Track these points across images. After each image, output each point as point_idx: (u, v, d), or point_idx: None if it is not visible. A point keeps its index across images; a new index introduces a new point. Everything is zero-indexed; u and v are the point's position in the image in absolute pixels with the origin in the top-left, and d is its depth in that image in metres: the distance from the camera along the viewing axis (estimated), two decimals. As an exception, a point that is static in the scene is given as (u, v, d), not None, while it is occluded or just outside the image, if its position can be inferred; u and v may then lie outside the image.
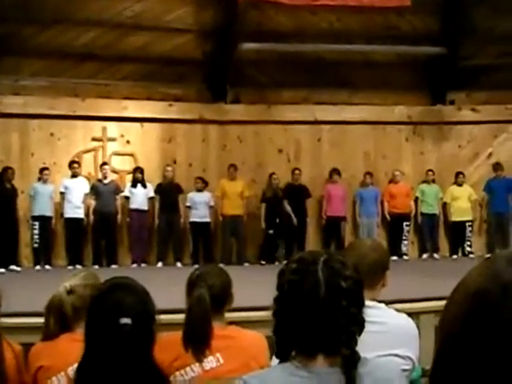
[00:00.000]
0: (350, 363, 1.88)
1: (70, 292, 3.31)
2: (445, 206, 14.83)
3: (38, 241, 13.27)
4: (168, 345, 3.06)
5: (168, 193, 13.71)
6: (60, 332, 3.27)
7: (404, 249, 14.46)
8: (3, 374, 2.01)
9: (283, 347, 1.99)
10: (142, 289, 2.39)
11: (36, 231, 13.26)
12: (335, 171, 14.36)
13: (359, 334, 1.95)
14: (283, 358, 1.99)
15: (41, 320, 5.20)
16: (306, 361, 1.92)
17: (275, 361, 2.10)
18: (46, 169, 13.39)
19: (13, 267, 12.46)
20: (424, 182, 14.76)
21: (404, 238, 14.48)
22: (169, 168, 13.88)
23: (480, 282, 1.13)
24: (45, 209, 13.28)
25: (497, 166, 14.52)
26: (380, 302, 3.14)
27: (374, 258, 3.20)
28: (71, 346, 3.10)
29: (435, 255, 14.59)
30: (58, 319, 3.27)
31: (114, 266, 13.20)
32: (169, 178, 13.89)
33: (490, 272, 1.14)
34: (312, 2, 12.06)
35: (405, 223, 14.49)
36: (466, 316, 1.11)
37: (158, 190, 13.71)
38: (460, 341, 1.11)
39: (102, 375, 2.17)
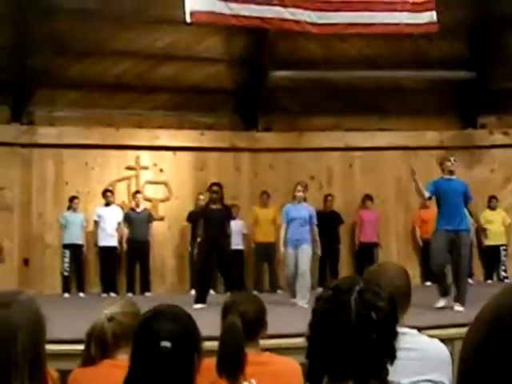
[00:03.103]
0: None
1: (110, 319, 3.39)
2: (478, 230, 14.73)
3: (68, 269, 13.42)
4: (203, 370, 3.11)
5: None
6: (100, 358, 3.35)
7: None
8: None
9: (315, 372, 2.03)
10: (186, 316, 2.45)
11: (66, 259, 13.42)
12: (368, 197, 14.42)
13: (391, 364, 1.98)
14: (315, 383, 2.03)
15: (75, 347, 5.33)
16: None
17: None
18: (76, 198, 13.57)
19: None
20: (456, 206, 14.67)
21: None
22: (201, 196, 13.90)
23: (495, 310, 1.17)
24: (75, 237, 13.45)
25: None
26: (413, 327, 3.15)
27: (406, 283, 3.21)
28: (111, 372, 3.18)
29: (469, 280, 14.47)
30: (98, 346, 3.35)
31: (147, 294, 13.25)
32: (201, 206, 13.89)
33: (505, 300, 1.17)
34: (340, 31, 12.15)
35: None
36: (482, 343, 1.15)
37: (191, 218, 13.73)
38: (476, 368, 1.15)
39: None
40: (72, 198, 13.55)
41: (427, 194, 9.61)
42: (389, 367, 1.96)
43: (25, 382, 1.92)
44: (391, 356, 1.97)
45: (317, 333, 2.01)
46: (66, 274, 13.47)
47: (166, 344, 2.25)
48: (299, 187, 11.05)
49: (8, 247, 13.33)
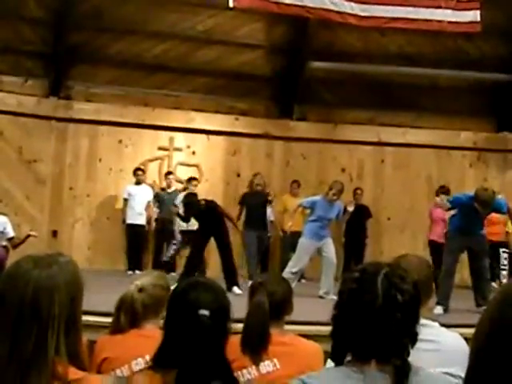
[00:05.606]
0: (400, 373, 1.98)
1: (140, 290, 3.48)
2: (507, 234, 14.63)
3: None
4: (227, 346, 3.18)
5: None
6: (129, 327, 3.44)
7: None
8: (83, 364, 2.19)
9: (339, 350, 2.09)
10: (220, 288, 2.54)
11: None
12: (443, 189, 13.09)
13: (412, 346, 2.04)
14: (338, 361, 2.09)
15: (97, 319, 5.45)
16: (359, 365, 2.02)
17: (331, 364, 2.21)
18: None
19: None
20: (486, 209, 14.55)
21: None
22: (259, 187, 13.19)
23: (507, 291, 1.20)
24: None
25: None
26: (434, 321, 3.17)
27: (427, 275, 3.18)
28: (138, 341, 3.29)
29: (493, 284, 14.38)
30: (128, 315, 3.44)
31: (172, 274, 13.25)
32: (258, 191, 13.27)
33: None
34: (382, 25, 12.11)
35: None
36: (494, 322, 1.18)
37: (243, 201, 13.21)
38: (485, 353, 1.18)
39: (177, 362, 2.30)
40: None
41: (448, 206, 9.67)
42: (409, 349, 2.02)
43: (60, 339, 2.00)
44: (413, 338, 2.03)
45: (343, 312, 2.07)
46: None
47: (205, 312, 2.33)
48: (334, 190, 10.57)
49: (38, 219, 13.52)
